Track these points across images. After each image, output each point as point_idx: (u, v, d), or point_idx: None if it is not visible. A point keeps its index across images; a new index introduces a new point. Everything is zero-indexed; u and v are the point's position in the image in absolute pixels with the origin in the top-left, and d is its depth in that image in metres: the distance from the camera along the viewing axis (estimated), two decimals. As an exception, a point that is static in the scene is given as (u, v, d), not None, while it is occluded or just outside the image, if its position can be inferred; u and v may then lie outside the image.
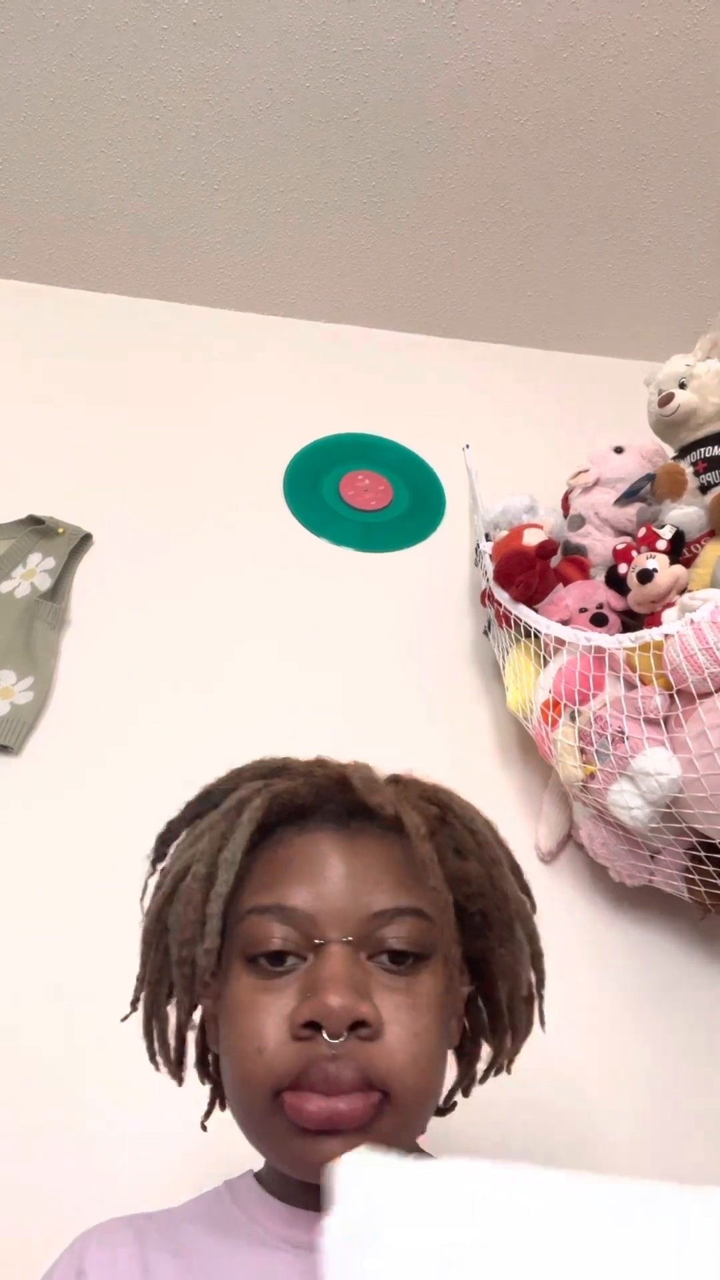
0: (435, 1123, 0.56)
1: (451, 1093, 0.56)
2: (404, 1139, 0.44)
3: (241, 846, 0.46)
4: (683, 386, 1.15)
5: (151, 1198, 0.54)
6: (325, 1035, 0.41)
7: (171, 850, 0.51)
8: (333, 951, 0.43)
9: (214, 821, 0.48)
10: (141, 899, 0.52)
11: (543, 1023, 0.54)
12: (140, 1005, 0.52)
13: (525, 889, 0.54)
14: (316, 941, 0.44)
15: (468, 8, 1.38)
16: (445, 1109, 0.56)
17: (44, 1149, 0.81)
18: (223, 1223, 0.47)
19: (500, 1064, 0.53)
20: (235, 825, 0.47)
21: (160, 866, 0.51)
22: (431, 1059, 0.44)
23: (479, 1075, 0.55)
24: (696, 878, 0.91)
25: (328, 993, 0.41)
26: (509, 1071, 0.53)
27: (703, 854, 0.89)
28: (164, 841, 0.51)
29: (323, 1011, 0.41)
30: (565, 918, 1.02)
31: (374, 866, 0.46)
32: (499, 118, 1.50)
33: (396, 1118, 0.43)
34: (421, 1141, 0.53)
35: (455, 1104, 0.56)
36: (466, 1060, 0.56)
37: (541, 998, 0.53)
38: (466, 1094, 0.56)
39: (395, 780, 0.52)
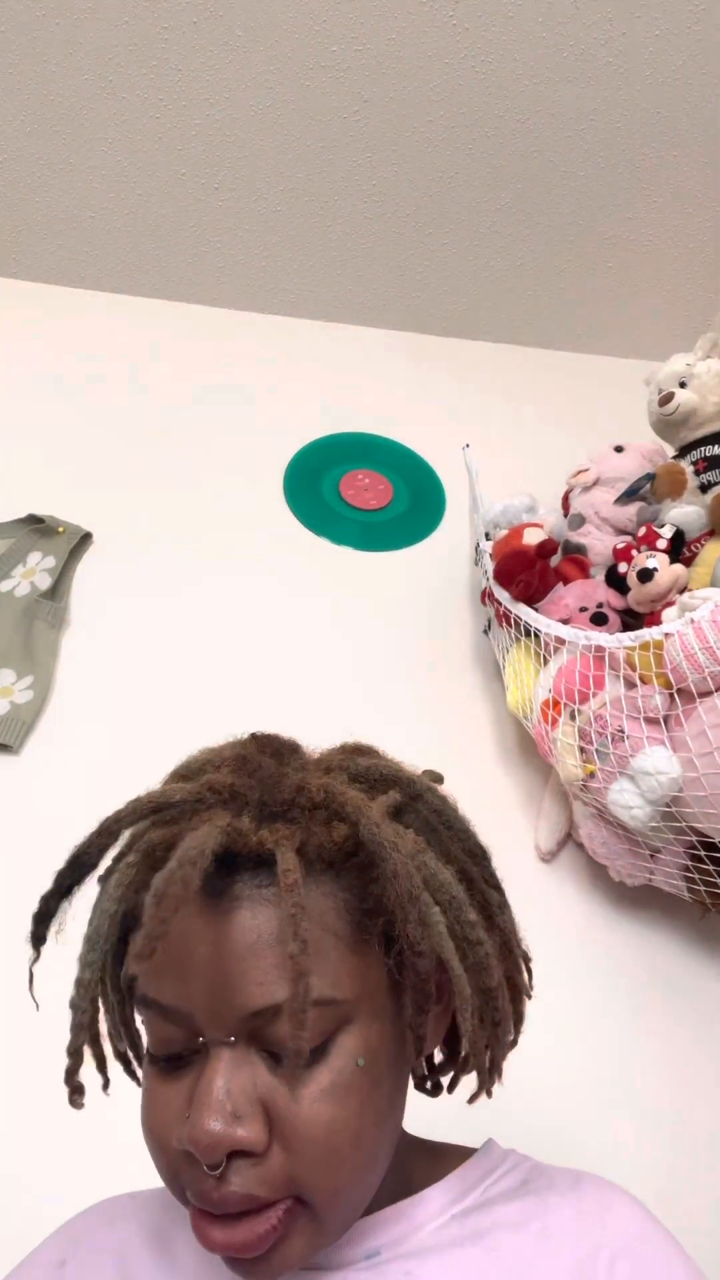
0: (428, 1124, 0.56)
1: (438, 1086, 0.53)
2: (337, 1224, 0.40)
3: (103, 934, 0.40)
4: (683, 386, 1.15)
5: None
6: (204, 1166, 0.37)
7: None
8: (213, 1058, 0.38)
9: (99, 894, 0.42)
10: (30, 988, 0.45)
11: (514, 1028, 0.48)
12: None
13: (491, 881, 0.47)
14: (201, 1039, 0.38)
15: (468, 8, 1.38)
16: (436, 1090, 0.53)
17: (44, 1150, 0.81)
18: None
19: (481, 1080, 0.46)
20: (99, 903, 0.41)
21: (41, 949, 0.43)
22: (355, 1142, 0.38)
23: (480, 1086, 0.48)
24: (696, 877, 0.91)
25: (196, 1121, 0.36)
26: (496, 1081, 0.48)
27: (702, 853, 0.89)
28: (40, 921, 0.42)
29: (191, 1142, 0.36)
30: (565, 917, 1.02)
31: (255, 945, 0.37)
32: (499, 118, 1.50)
33: (316, 1220, 0.38)
34: (418, 1131, 0.53)
35: (441, 1088, 0.53)
36: (450, 1061, 0.51)
37: (501, 1012, 0.45)
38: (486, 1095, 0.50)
39: (326, 769, 0.45)
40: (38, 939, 0.43)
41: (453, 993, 0.42)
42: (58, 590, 1.25)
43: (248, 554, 1.36)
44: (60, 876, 0.42)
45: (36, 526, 1.31)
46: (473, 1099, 0.47)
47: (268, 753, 0.45)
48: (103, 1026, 0.45)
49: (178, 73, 1.45)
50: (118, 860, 0.42)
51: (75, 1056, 0.40)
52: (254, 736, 0.48)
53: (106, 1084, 0.46)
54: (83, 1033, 0.40)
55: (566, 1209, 0.44)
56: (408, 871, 0.39)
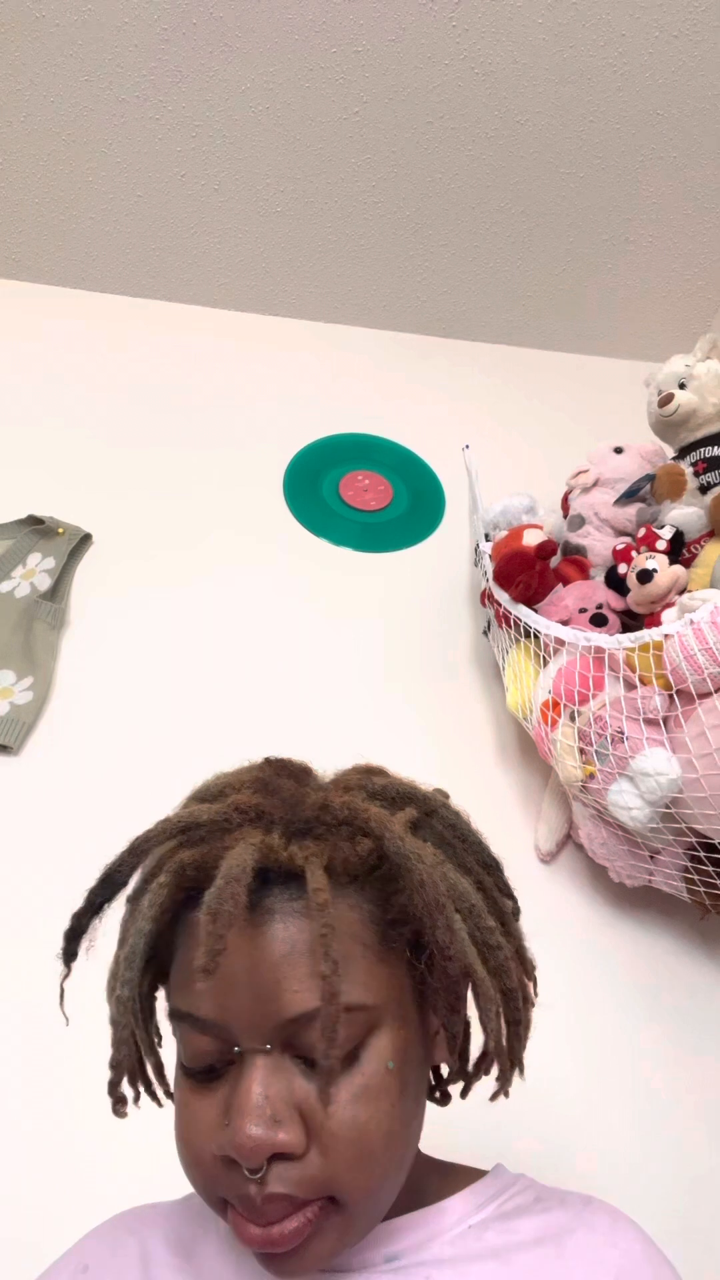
0: (432, 1124, 0.56)
1: (449, 1092, 0.54)
2: (366, 1226, 0.42)
3: (140, 953, 0.41)
4: (682, 387, 1.15)
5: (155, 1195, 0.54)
6: (244, 1170, 0.38)
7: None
8: (249, 1066, 0.39)
9: (126, 911, 0.44)
10: (60, 1003, 0.47)
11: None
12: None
13: (505, 889, 0.49)
14: (236, 1049, 0.40)
15: (468, 8, 1.38)
16: (445, 1099, 0.54)
17: (43, 1152, 0.81)
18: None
19: (503, 1080, 0.48)
20: (132, 922, 0.42)
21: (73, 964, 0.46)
22: (387, 1142, 0.40)
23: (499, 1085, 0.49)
24: (696, 878, 0.91)
25: (238, 1126, 0.37)
26: (511, 1080, 0.48)
27: (702, 854, 0.89)
28: (72, 938, 0.45)
29: (234, 1148, 0.38)
30: (565, 918, 1.02)
31: (289, 955, 0.39)
32: (498, 118, 1.50)
33: (347, 1218, 0.40)
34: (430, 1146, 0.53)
35: (450, 1097, 0.54)
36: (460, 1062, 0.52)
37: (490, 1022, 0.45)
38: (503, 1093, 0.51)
39: (345, 788, 0.46)
40: (69, 955, 0.45)
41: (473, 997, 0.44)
42: (57, 591, 1.25)
43: (247, 555, 1.36)
44: (91, 894, 0.44)
45: (36, 527, 1.31)
46: (494, 1097, 0.49)
47: (285, 775, 0.47)
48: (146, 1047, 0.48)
49: (177, 74, 1.45)
50: (148, 880, 0.43)
51: (118, 1070, 0.42)
52: (268, 760, 0.50)
53: (138, 1098, 0.48)
54: (124, 1047, 0.42)
55: (579, 1228, 0.46)
56: (433, 881, 0.41)
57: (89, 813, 1.04)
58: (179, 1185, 0.45)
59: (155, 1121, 0.49)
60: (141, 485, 1.42)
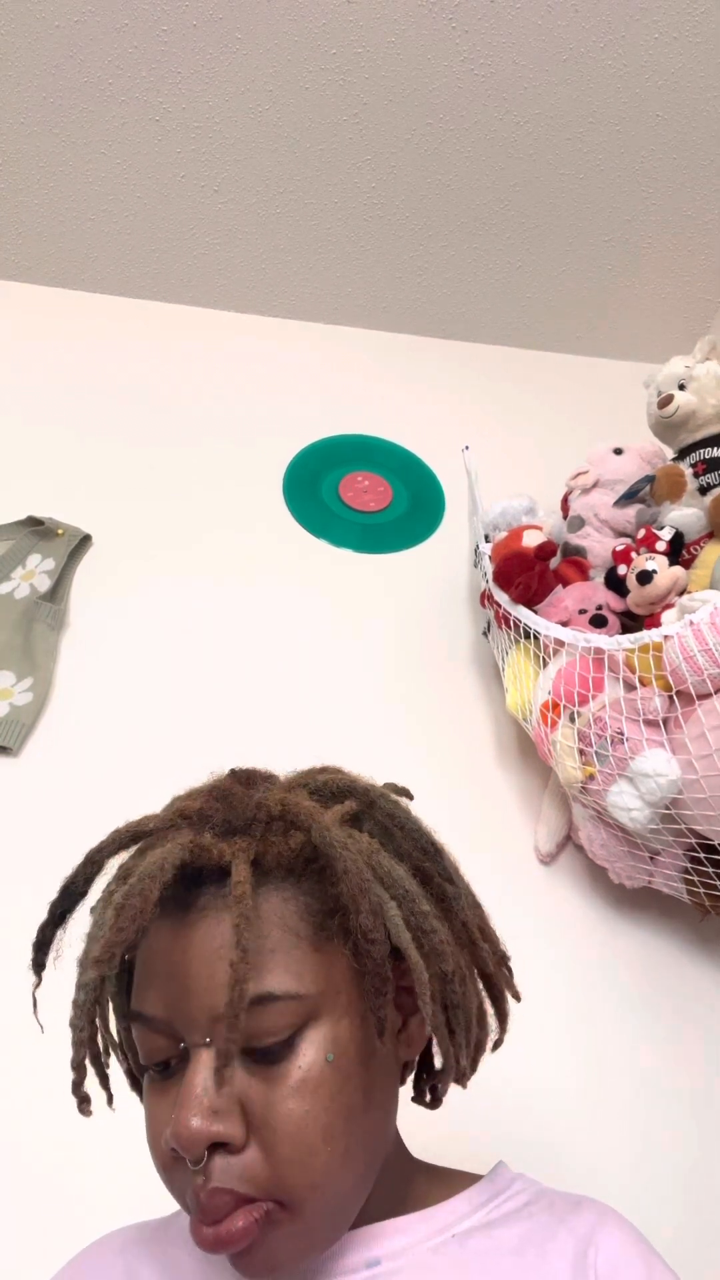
0: (430, 1124, 0.56)
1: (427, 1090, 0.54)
2: (324, 1227, 0.41)
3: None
4: (682, 388, 1.15)
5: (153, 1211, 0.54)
6: (188, 1161, 0.39)
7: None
8: (193, 1060, 0.40)
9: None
10: (34, 1011, 0.48)
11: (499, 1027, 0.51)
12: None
13: (447, 875, 0.48)
14: (182, 1045, 0.41)
15: (468, 8, 1.38)
16: (435, 1103, 0.54)
17: (43, 1155, 0.81)
18: None
19: (446, 1066, 0.47)
20: (91, 929, 0.43)
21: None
22: (325, 1135, 0.40)
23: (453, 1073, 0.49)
24: (696, 879, 0.91)
25: (178, 1118, 0.38)
26: (467, 1074, 0.49)
27: (702, 855, 0.89)
28: (38, 949, 0.46)
29: (174, 1138, 0.39)
30: (565, 919, 1.02)
31: (221, 949, 0.40)
32: (498, 119, 1.50)
33: (297, 1222, 0.40)
34: (418, 1150, 0.53)
35: (440, 1101, 0.54)
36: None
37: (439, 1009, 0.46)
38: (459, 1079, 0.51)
39: (289, 788, 0.48)
40: (38, 965, 0.46)
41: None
42: (57, 592, 1.25)
43: (247, 556, 1.36)
44: (53, 906, 0.46)
45: (36, 528, 1.31)
46: (435, 1093, 0.49)
47: (240, 783, 0.48)
48: (111, 1050, 0.49)
49: (177, 75, 1.45)
50: (104, 890, 0.45)
51: (79, 1070, 0.43)
52: (232, 771, 0.51)
53: (110, 1099, 0.48)
54: (83, 1049, 0.42)
55: (562, 1233, 0.45)
56: (358, 868, 0.42)
57: (89, 814, 1.04)
58: (164, 1202, 0.45)
59: (135, 1135, 0.49)
60: (141, 486, 1.42)
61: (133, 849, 0.45)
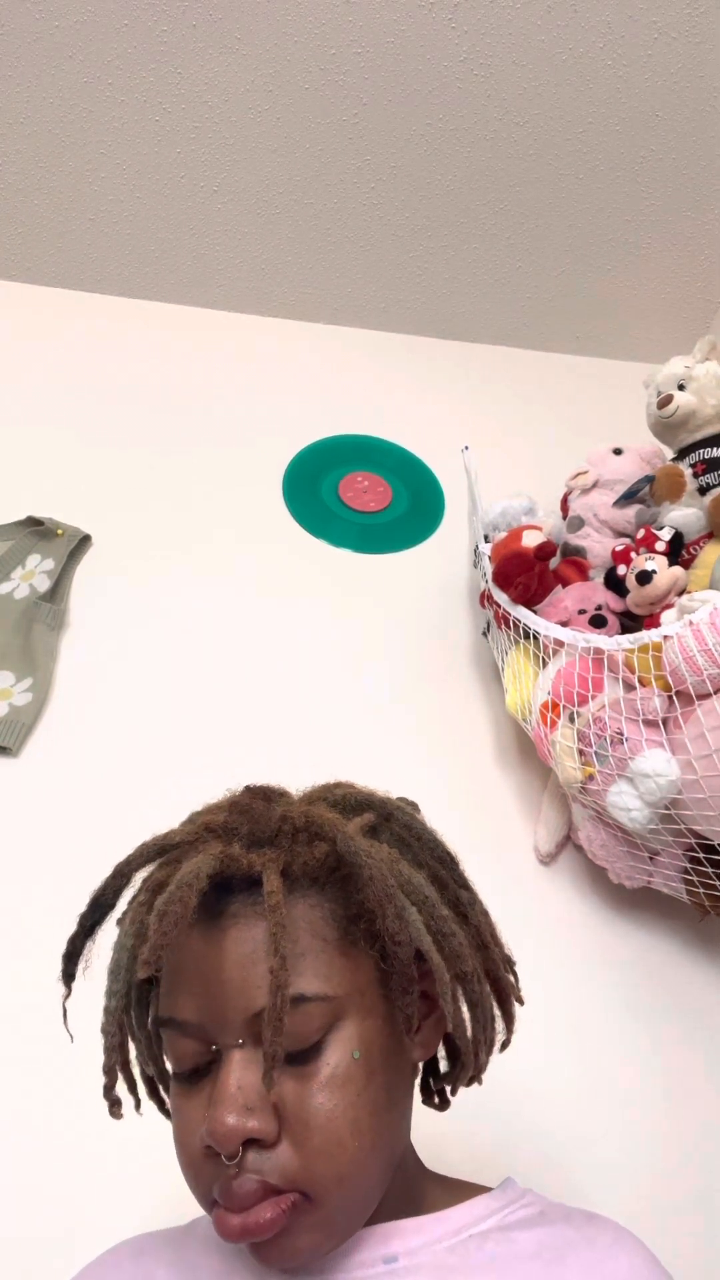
0: (432, 1124, 0.56)
1: (436, 1092, 0.56)
2: (345, 1220, 0.43)
3: (124, 966, 0.45)
4: (681, 388, 1.15)
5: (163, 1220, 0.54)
6: (222, 1157, 0.41)
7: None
8: (226, 1061, 0.42)
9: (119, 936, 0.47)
10: (64, 1021, 0.50)
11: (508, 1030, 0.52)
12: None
13: (462, 882, 0.51)
14: (214, 1048, 0.43)
15: (468, 8, 1.38)
16: (444, 1104, 0.56)
17: (42, 1153, 0.81)
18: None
19: (466, 1065, 0.50)
20: (119, 939, 0.46)
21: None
22: (353, 1129, 0.42)
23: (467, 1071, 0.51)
24: (695, 879, 0.91)
25: (215, 1115, 0.40)
26: (478, 1078, 0.51)
27: (701, 856, 0.89)
28: (68, 960, 0.48)
29: (210, 1135, 0.40)
30: (564, 919, 1.02)
31: (252, 954, 0.42)
32: (498, 119, 1.50)
33: (320, 1212, 0.41)
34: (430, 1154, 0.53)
35: (449, 1103, 0.56)
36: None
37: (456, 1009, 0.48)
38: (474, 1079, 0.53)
39: (309, 801, 0.50)
40: (67, 976, 0.48)
41: (438, 988, 0.46)
42: (57, 592, 1.25)
43: (247, 556, 1.36)
44: (82, 918, 0.48)
45: (36, 529, 1.31)
46: (453, 1088, 0.51)
47: (259, 798, 0.50)
48: (135, 1054, 0.51)
49: (177, 75, 1.45)
50: (131, 902, 0.47)
51: (110, 1074, 0.46)
52: (247, 788, 0.53)
53: (138, 1104, 0.51)
54: (114, 1054, 0.46)
55: (581, 1243, 0.46)
56: (383, 875, 0.44)
57: (89, 814, 1.04)
58: (187, 1208, 0.45)
59: (160, 1143, 0.49)
60: (141, 486, 1.42)
61: (158, 862, 0.47)
